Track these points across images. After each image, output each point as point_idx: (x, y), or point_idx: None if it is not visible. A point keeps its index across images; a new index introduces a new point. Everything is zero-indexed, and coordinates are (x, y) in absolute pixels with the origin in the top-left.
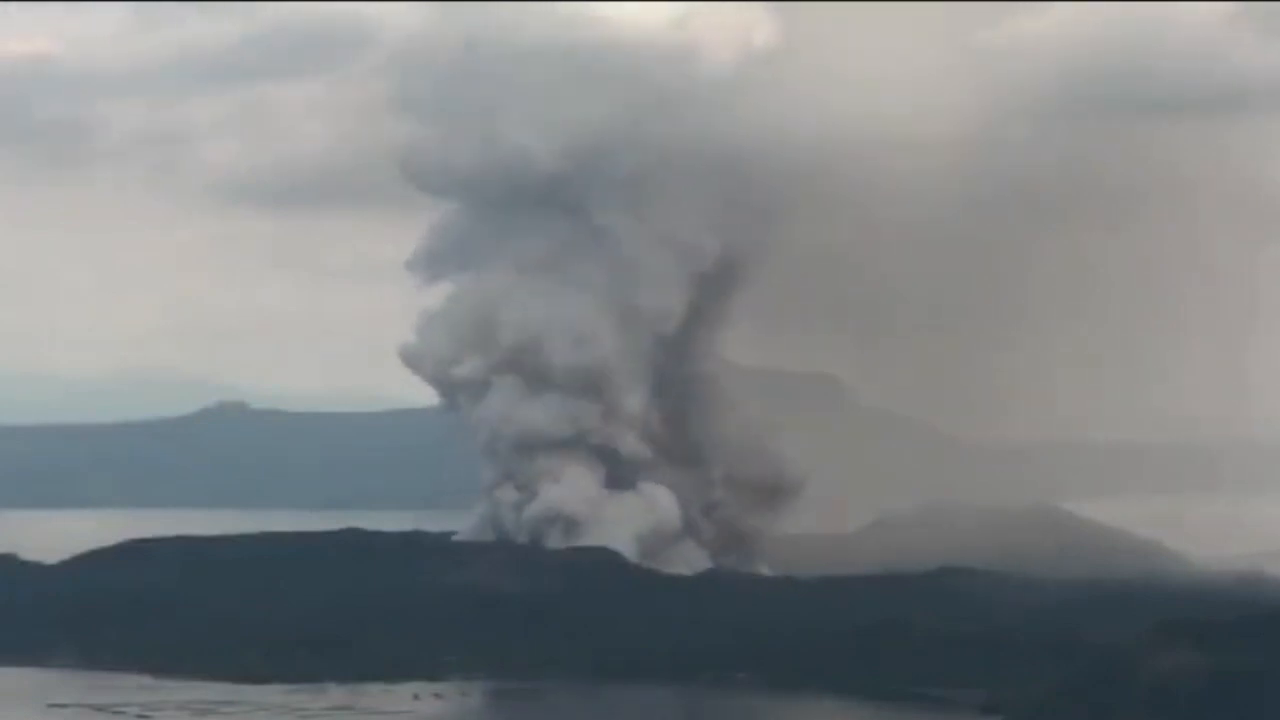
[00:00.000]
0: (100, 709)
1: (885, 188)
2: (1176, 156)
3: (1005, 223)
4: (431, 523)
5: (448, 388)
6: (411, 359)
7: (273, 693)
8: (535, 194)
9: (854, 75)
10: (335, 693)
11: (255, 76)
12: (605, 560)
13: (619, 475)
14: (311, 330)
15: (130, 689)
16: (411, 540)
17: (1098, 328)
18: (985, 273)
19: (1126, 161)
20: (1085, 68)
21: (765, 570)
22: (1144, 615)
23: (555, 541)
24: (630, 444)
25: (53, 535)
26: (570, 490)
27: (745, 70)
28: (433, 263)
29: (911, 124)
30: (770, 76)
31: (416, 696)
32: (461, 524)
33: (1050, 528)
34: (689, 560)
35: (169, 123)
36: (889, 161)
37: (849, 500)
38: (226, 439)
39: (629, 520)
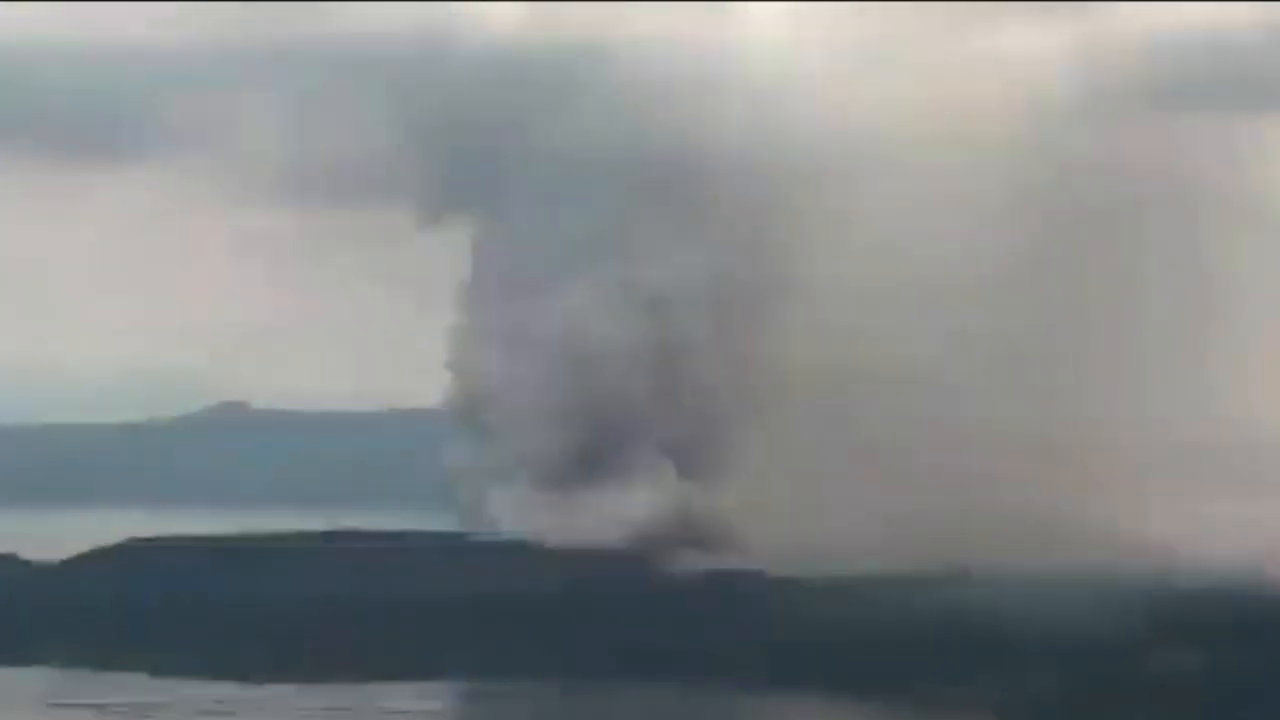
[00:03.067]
0: (100, 709)
1: (933, 186)
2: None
3: (1024, 225)
4: (431, 523)
5: None
6: None
7: (273, 693)
8: None
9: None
10: (335, 693)
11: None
12: (605, 560)
13: None
14: (313, 330)
15: (130, 689)
16: (411, 540)
17: (1102, 329)
18: (990, 273)
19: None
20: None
21: (765, 570)
22: (1144, 615)
23: None
24: None
25: (53, 535)
26: None
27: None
28: None
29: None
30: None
31: (416, 697)
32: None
33: (1050, 528)
34: None
35: (202, 119)
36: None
37: (848, 500)
38: (226, 439)
39: None
